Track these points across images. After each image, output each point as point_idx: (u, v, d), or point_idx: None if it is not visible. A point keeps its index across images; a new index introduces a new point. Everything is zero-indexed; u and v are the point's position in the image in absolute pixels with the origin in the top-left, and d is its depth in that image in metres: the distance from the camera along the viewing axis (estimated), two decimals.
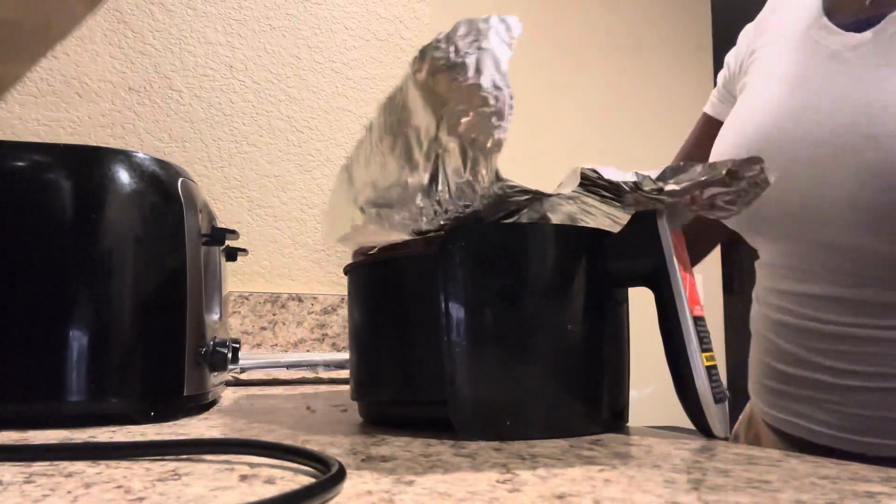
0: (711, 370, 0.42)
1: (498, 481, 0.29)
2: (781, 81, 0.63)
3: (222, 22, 1.30)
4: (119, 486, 0.28)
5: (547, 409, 0.41)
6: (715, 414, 0.41)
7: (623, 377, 0.46)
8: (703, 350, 0.42)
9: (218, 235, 0.59)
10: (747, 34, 0.75)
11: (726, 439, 0.41)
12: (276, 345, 1.26)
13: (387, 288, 0.45)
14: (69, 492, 0.27)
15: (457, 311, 0.41)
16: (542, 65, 2.09)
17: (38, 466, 0.32)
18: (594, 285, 0.43)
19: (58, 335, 0.46)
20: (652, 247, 0.43)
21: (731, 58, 0.76)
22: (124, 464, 0.33)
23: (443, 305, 0.41)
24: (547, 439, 0.40)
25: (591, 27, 2.25)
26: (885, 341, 0.56)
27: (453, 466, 0.32)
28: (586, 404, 0.43)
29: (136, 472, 0.31)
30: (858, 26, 0.58)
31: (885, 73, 0.54)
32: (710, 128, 0.76)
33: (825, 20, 0.61)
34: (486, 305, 0.41)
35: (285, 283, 1.31)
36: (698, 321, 0.42)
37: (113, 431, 0.44)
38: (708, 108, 0.79)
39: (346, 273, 0.50)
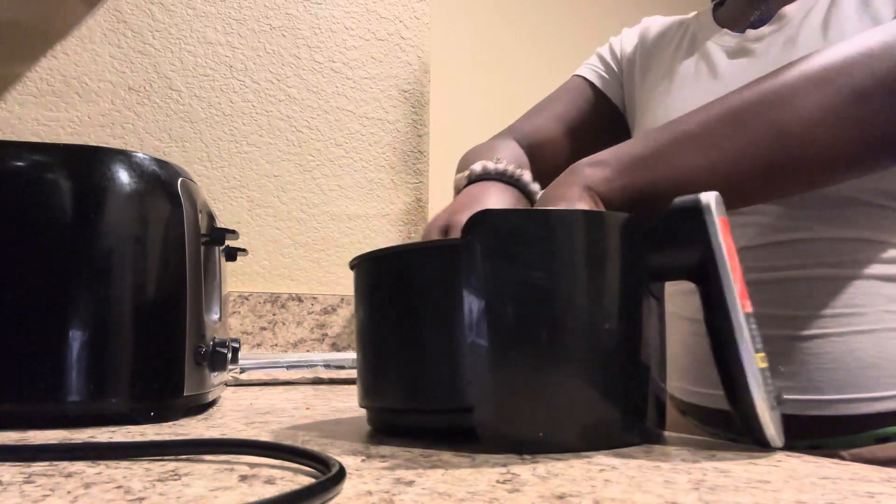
0: (765, 372, 0.37)
1: (498, 481, 0.29)
2: (695, 80, 0.68)
3: (222, 22, 1.30)
4: (119, 487, 0.28)
5: (582, 418, 0.36)
6: (771, 421, 0.36)
7: (663, 381, 0.41)
8: (757, 351, 0.37)
9: (217, 235, 0.59)
10: (631, 37, 0.81)
11: (783, 448, 0.37)
12: (276, 345, 1.26)
13: (399, 283, 0.40)
14: (69, 492, 0.27)
15: (480, 309, 0.36)
16: (535, 67, 2.09)
17: (38, 466, 0.32)
18: (633, 279, 0.38)
19: (57, 335, 0.46)
20: (698, 235, 0.38)
21: (622, 45, 0.81)
22: (124, 464, 0.33)
23: (464, 302, 0.36)
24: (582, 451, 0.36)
25: (586, 28, 2.25)
26: (821, 280, 0.56)
27: (453, 466, 0.32)
28: (626, 413, 0.38)
29: (135, 473, 0.31)
30: (754, 28, 0.65)
31: (791, 54, 0.59)
32: (591, 97, 0.81)
33: (723, 30, 0.68)
34: (513, 302, 0.36)
35: (285, 283, 1.31)
36: (749, 318, 0.37)
37: (112, 431, 0.44)
38: (594, 79, 0.81)
39: (351, 268, 0.45)
